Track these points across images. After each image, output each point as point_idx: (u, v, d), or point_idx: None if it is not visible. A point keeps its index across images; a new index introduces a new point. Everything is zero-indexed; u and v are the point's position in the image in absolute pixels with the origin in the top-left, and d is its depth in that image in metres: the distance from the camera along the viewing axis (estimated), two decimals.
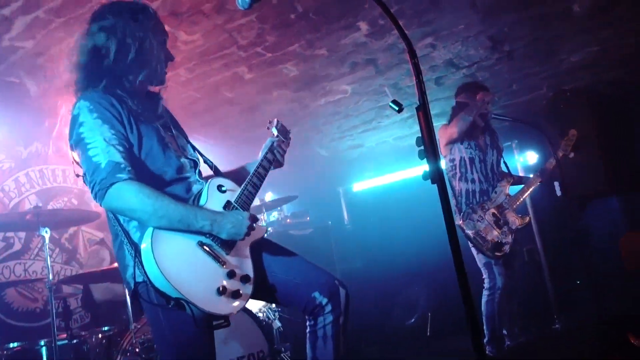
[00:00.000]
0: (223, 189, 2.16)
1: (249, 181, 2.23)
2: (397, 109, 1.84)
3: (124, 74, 2.08)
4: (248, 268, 2.05)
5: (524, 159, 6.32)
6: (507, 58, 5.15)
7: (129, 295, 2.11)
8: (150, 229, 1.89)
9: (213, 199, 2.09)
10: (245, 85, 5.16)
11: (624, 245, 5.14)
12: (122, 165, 1.90)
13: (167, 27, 2.27)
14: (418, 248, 5.95)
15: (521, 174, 5.70)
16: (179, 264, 1.87)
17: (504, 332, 4.04)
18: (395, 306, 6.38)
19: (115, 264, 3.73)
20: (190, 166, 2.17)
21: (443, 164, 4.17)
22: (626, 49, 5.09)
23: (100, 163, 1.88)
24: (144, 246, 1.87)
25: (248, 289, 1.99)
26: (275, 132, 2.52)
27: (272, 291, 2.19)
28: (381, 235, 6.82)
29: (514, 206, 4.06)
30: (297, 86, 5.37)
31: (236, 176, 2.34)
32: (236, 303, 1.93)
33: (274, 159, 2.42)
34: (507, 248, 3.89)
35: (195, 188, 2.13)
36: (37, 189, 4.88)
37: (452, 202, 4.04)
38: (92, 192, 1.91)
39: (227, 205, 2.10)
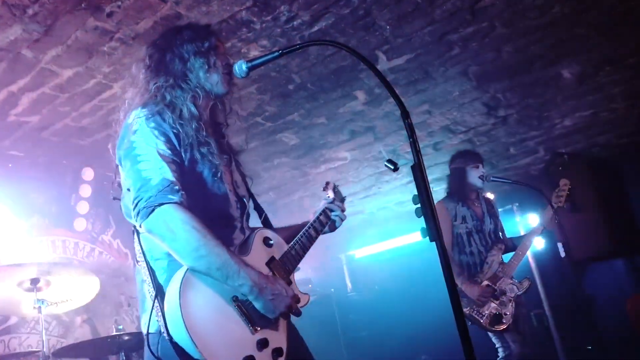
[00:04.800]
0: (270, 242, 1.93)
1: (297, 240, 2.05)
2: (392, 167, 1.81)
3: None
4: (282, 341, 1.76)
5: (525, 222, 6.30)
6: (503, 123, 5.25)
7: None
8: (181, 270, 1.63)
9: (257, 252, 1.86)
10: (245, 154, 5.19)
11: (631, 307, 5.03)
12: (176, 187, 1.70)
13: None
14: (423, 314, 5.82)
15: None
16: (207, 319, 1.59)
17: None
18: None
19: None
20: (237, 207, 1.95)
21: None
22: (614, 112, 5.19)
23: (150, 179, 1.68)
24: (171, 289, 1.60)
25: None
26: (331, 195, 2.43)
27: None
28: (385, 302, 6.69)
29: (510, 273, 3.96)
30: (297, 154, 5.45)
31: (285, 233, 2.13)
32: None
33: (327, 222, 2.28)
34: (508, 319, 3.80)
35: (239, 234, 1.91)
36: (36, 261, 4.84)
37: (455, 269, 3.97)
38: (134, 208, 1.70)
39: (271, 261, 1.88)
